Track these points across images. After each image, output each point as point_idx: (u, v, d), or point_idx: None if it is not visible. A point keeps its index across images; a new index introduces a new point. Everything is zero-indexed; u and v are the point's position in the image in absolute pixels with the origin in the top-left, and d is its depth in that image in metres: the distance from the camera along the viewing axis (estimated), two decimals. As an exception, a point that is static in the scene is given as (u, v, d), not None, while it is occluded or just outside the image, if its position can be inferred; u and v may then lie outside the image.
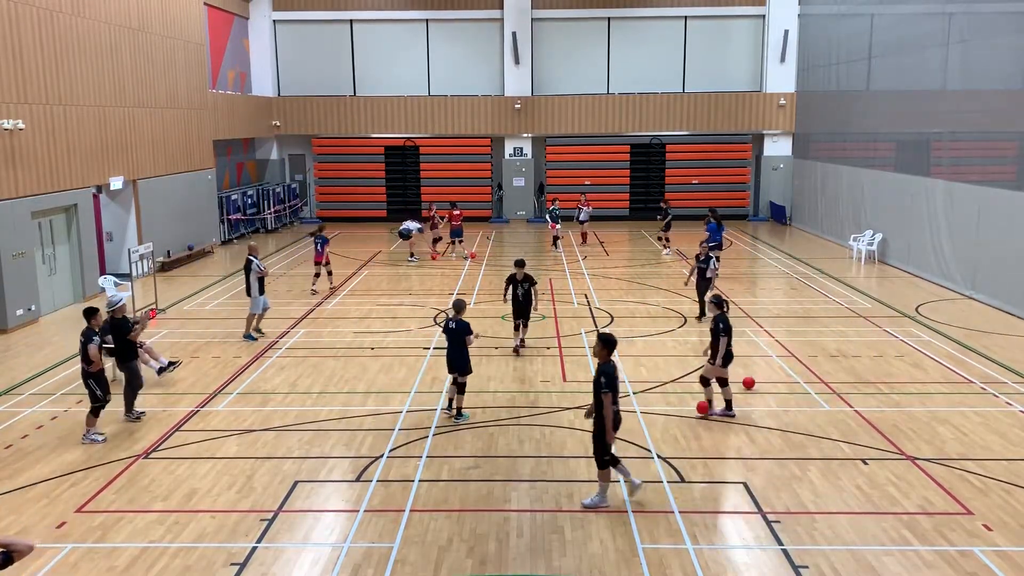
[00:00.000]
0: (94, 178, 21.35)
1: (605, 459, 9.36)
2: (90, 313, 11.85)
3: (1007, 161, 20.63)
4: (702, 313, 17.82)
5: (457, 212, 26.37)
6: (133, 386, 12.37)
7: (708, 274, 17.72)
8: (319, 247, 21.46)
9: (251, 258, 16.79)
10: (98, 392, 11.58)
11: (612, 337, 9.43)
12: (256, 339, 16.70)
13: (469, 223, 33.69)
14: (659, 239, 27.63)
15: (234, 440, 11.59)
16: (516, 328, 15.82)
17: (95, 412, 11.63)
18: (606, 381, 9.09)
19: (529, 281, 15.43)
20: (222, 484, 10.18)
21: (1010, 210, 18.73)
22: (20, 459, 11.03)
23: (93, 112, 21.21)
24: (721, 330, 11.91)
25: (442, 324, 12.91)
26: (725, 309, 12.15)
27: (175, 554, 8.56)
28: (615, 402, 9.19)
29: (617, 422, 9.32)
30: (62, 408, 12.95)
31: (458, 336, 12.11)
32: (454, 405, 12.28)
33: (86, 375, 11.62)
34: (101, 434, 11.65)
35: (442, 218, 26.52)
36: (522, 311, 15.60)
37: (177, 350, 15.90)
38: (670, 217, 26.87)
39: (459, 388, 12.19)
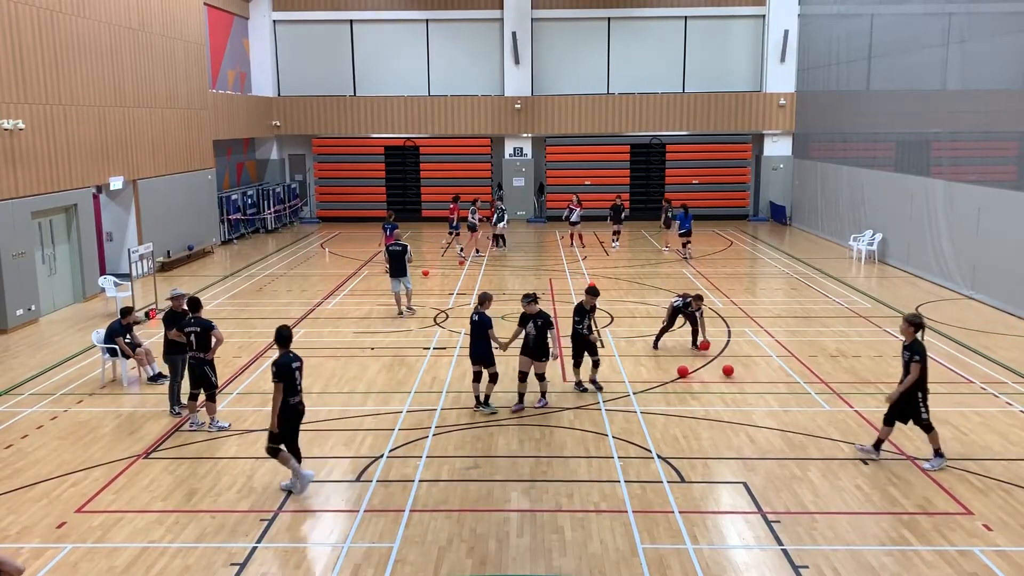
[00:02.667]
0: (94, 178, 21.35)
1: (277, 448, 9.68)
2: (197, 303, 12.14)
3: (1007, 161, 20.62)
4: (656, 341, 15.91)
5: (453, 207, 27.44)
6: (174, 380, 12.57)
7: (697, 316, 15.47)
8: (388, 232, 23.16)
9: (404, 244, 19.00)
10: (213, 379, 11.85)
11: (284, 331, 9.92)
12: (415, 312, 19.00)
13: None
14: (613, 233, 28.68)
15: (234, 440, 11.59)
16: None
17: (212, 398, 11.91)
18: (275, 371, 9.54)
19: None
20: (222, 484, 10.18)
21: (1010, 210, 18.73)
22: (20, 459, 11.03)
23: (93, 112, 21.21)
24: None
25: (468, 319, 12.54)
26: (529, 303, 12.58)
27: (175, 554, 8.56)
28: (288, 393, 9.58)
29: (294, 414, 9.67)
30: (62, 408, 12.94)
31: (481, 329, 12.32)
32: (483, 395, 12.64)
33: (202, 362, 11.74)
34: (225, 422, 12.14)
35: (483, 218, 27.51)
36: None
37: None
38: (623, 213, 28.69)
39: (491, 378, 12.54)
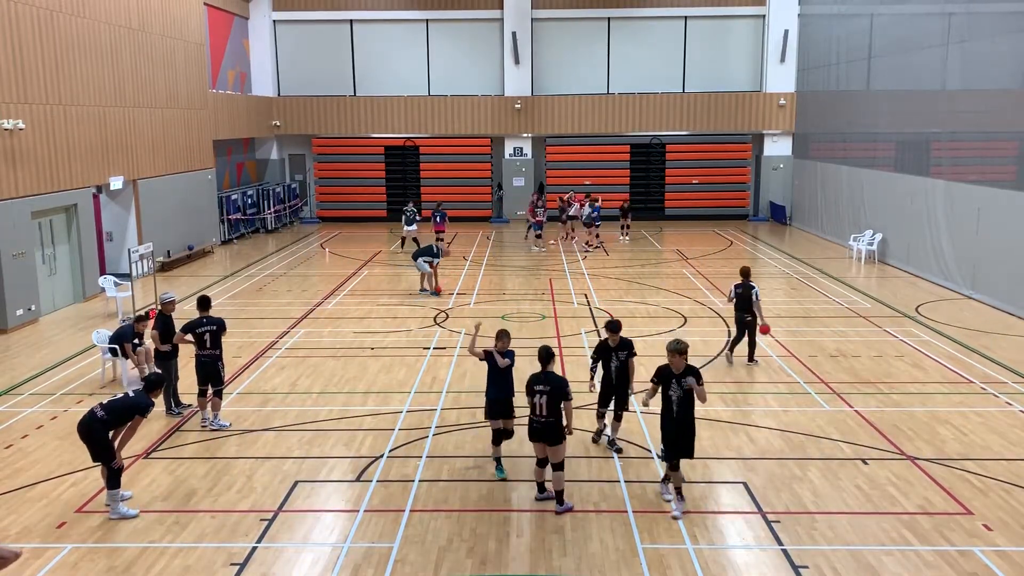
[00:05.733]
0: (94, 178, 21.35)
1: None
2: (207, 302, 12.37)
3: (1007, 161, 20.62)
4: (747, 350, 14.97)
5: (529, 208, 28.46)
6: (169, 383, 12.52)
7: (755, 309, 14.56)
8: (438, 219, 26.16)
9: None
10: (223, 375, 12.09)
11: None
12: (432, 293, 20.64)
13: (470, 223, 33.83)
14: (621, 227, 29.60)
15: (234, 440, 11.60)
16: (601, 415, 11.15)
17: (220, 395, 12.09)
18: None
19: (628, 350, 10.84)
20: (222, 484, 10.18)
21: (1010, 210, 18.73)
22: (20, 459, 11.04)
23: (93, 112, 21.21)
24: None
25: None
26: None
27: (175, 554, 8.56)
28: None
29: None
30: (62, 408, 12.95)
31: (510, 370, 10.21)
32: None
33: (216, 359, 11.93)
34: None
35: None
36: (615, 391, 10.88)
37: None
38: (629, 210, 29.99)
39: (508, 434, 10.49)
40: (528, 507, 9.50)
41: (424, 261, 20.60)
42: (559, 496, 9.35)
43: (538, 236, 28.19)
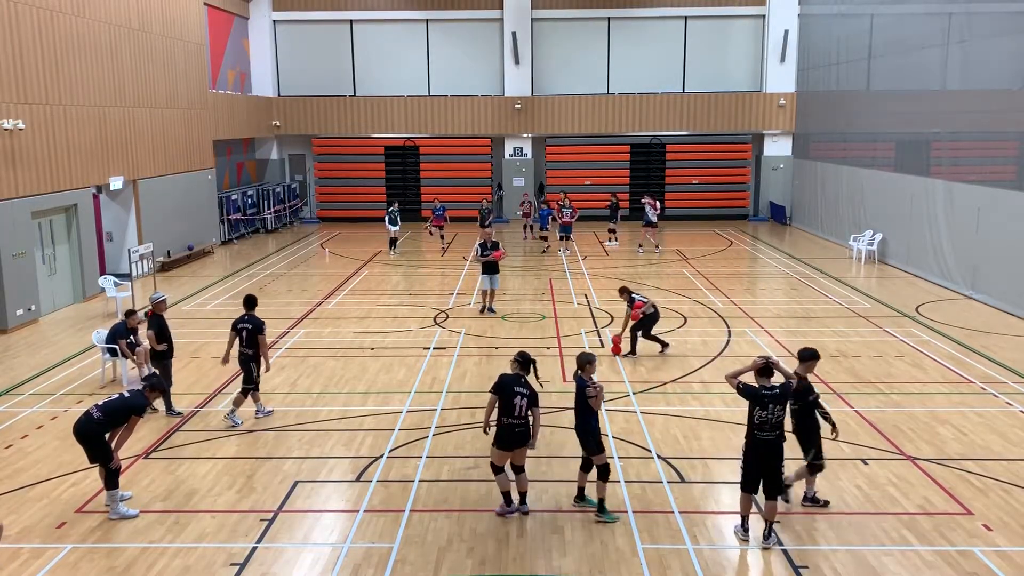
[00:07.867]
0: (94, 178, 21.35)
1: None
2: (253, 301, 12.47)
3: (1007, 161, 20.63)
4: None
5: (557, 208, 27.23)
6: (168, 383, 12.58)
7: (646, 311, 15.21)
8: (436, 214, 27.69)
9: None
10: (255, 375, 12.21)
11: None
12: (496, 313, 18.79)
13: (471, 223, 33.77)
14: (609, 231, 29.05)
15: (234, 440, 11.60)
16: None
17: (246, 393, 12.21)
18: None
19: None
20: (222, 484, 10.18)
21: (1010, 210, 18.73)
22: (20, 459, 11.04)
23: (93, 112, 21.21)
24: None
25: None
26: None
27: (175, 554, 8.56)
28: None
29: None
30: (62, 408, 12.94)
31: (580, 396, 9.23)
32: (587, 493, 9.51)
33: (249, 359, 12.09)
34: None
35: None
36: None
37: (176, 350, 15.82)
38: (620, 212, 28.99)
39: (600, 472, 9.20)
40: (528, 507, 9.49)
41: (487, 276, 18.70)
42: (524, 497, 9.40)
43: (562, 238, 26.75)
